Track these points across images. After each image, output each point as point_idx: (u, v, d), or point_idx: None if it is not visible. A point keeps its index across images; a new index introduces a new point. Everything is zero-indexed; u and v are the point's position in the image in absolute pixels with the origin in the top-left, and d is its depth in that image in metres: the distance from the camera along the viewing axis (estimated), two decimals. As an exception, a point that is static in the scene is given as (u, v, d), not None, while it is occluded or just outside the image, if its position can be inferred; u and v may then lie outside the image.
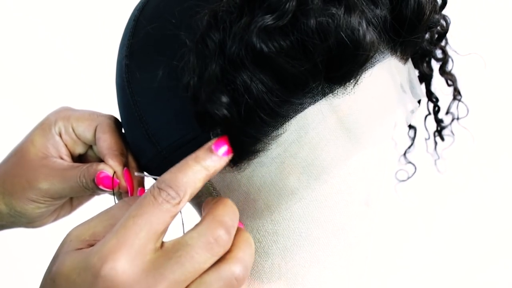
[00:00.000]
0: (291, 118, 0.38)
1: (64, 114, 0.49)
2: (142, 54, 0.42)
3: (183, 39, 0.37)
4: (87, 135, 0.48)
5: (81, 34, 0.96)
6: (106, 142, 0.46)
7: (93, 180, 0.45)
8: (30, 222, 0.50)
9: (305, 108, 0.38)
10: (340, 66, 0.37)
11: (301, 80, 0.37)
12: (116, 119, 0.49)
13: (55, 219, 0.53)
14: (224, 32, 0.36)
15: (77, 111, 0.50)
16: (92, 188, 0.45)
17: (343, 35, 0.35)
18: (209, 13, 0.36)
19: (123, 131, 0.48)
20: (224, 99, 0.36)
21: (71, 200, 0.53)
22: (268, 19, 0.34)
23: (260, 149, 0.39)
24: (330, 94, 0.39)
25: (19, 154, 0.49)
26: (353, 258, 0.45)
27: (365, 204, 0.44)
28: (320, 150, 0.39)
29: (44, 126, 0.49)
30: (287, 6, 0.34)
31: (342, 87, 0.39)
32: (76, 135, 0.49)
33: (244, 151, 0.38)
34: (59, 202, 0.49)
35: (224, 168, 0.40)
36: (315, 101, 0.38)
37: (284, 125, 0.38)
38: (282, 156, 0.39)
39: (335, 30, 0.35)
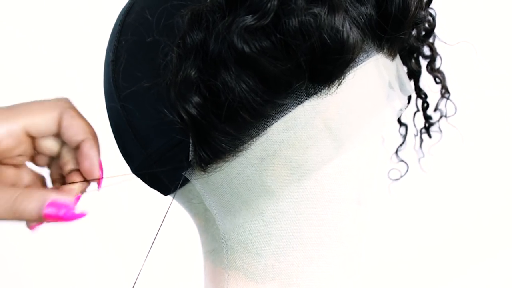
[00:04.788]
0: (274, 119, 0.38)
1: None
2: (128, 58, 0.41)
3: (165, 39, 0.37)
4: (52, 127, 0.42)
5: (71, 38, 0.96)
6: (80, 126, 0.42)
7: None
8: None
9: (289, 108, 0.38)
10: (324, 66, 0.37)
11: (284, 81, 0.37)
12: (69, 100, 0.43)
13: None
14: (206, 31, 0.35)
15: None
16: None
17: (326, 36, 0.35)
18: (191, 12, 0.36)
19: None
20: (195, 99, 0.36)
21: None
22: (250, 19, 0.34)
23: (241, 149, 0.39)
24: (314, 95, 0.38)
25: None
26: (346, 257, 0.45)
27: (357, 202, 0.44)
28: (306, 151, 0.39)
29: None
30: (268, 5, 0.34)
31: (326, 87, 0.38)
32: (30, 134, 0.42)
33: (222, 151, 0.38)
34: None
35: (210, 169, 0.39)
36: (299, 102, 0.38)
37: (268, 126, 0.38)
38: (266, 157, 0.39)
39: (318, 30, 0.35)
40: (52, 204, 0.39)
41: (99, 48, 0.51)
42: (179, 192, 0.43)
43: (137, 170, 0.44)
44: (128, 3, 0.45)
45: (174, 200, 0.46)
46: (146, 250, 0.47)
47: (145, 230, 0.51)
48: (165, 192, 0.45)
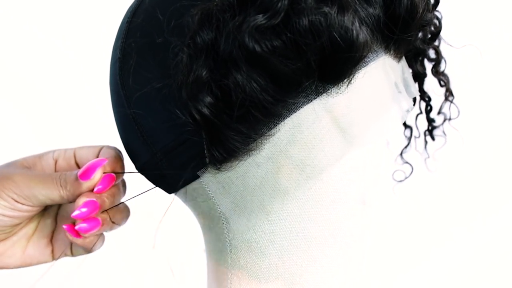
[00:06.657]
0: (284, 117, 0.38)
1: (65, 147, 0.50)
2: (136, 56, 0.41)
3: (175, 39, 0.37)
4: (90, 157, 0.48)
5: (76, 36, 0.96)
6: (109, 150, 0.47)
7: (76, 175, 0.43)
8: None
9: (299, 107, 0.38)
10: (333, 65, 0.37)
11: (295, 80, 0.37)
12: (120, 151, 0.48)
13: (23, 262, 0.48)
14: (216, 31, 0.36)
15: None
16: (70, 188, 0.43)
17: (336, 35, 0.35)
18: (201, 11, 0.36)
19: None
20: (208, 99, 0.36)
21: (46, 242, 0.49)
22: (261, 19, 0.34)
23: (252, 148, 0.39)
24: (324, 94, 0.39)
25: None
26: (350, 257, 0.45)
27: (361, 202, 0.44)
28: (315, 150, 0.39)
29: (41, 153, 0.49)
30: (279, 5, 0.34)
31: (335, 86, 0.39)
32: (76, 159, 0.49)
33: (235, 150, 0.38)
34: (25, 209, 0.44)
35: (216, 168, 0.40)
36: (309, 100, 0.38)
37: (278, 125, 0.38)
38: (276, 156, 0.39)
39: (328, 29, 0.35)
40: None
41: (105, 46, 0.51)
42: (184, 190, 0.43)
43: (142, 168, 0.44)
44: (135, 2, 0.45)
45: (177, 198, 0.46)
46: (148, 249, 0.47)
47: (147, 229, 0.51)
48: (169, 190, 0.45)
